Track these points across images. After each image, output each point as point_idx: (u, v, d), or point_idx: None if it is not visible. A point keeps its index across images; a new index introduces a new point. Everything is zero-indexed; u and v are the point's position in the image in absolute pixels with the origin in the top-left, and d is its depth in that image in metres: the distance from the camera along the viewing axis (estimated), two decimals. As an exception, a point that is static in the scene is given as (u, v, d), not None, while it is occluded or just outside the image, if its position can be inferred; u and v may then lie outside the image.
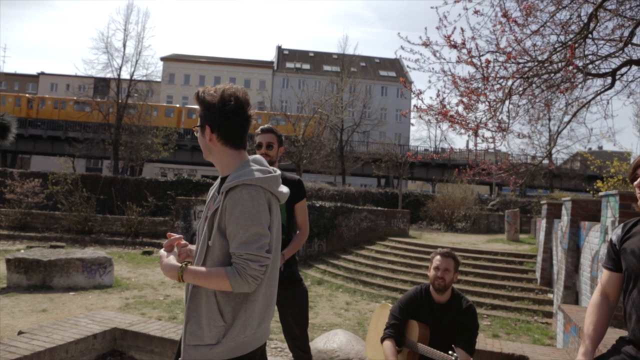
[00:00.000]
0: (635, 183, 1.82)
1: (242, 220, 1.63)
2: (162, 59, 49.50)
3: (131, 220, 16.44)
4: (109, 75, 30.93)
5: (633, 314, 1.75)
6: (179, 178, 21.15)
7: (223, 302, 1.68)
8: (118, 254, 13.21)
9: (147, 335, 4.20)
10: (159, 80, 40.71)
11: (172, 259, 1.71)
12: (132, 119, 30.36)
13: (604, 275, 1.93)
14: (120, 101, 30.04)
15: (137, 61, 30.60)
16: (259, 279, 1.63)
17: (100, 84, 37.12)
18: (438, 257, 3.01)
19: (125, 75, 30.83)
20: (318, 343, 5.25)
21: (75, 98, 33.34)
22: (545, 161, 19.96)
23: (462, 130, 6.32)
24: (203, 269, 1.65)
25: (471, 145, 6.77)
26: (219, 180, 1.89)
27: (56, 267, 8.46)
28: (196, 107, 1.81)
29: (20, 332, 3.98)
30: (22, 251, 9.81)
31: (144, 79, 31.21)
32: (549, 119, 27.76)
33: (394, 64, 53.32)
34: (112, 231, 16.78)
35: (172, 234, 1.81)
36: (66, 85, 48.05)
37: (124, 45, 30.66)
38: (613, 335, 1.93)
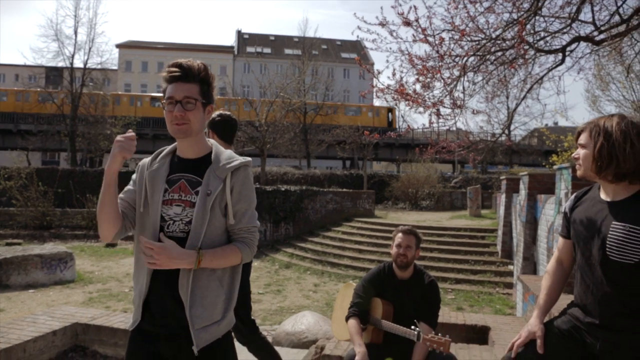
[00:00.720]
0: (573, 155, 1.88)
1: (249, 197, 1.75)
2: (118, 46, 47.74)
3: (92, 213, 15.95)
4: (60, 64, 29.66)
5: (578, 277, 1.83)
6: (139, 167, 20.62)
7: (221, 275, 1.72)
8: (80, 248, 12.87)
9: (110, 328, 4.10)
10: (115, 68, 39.31)
11: (178, 247, 1.60)
12: (88, 108, 29.28)
13: (559, 242, 2.00)
14: (74, 91, 28.86)
15: (90, 49, 29.42)
16: None
17: (52, 74, 35.50)
18: (400, 234, 3.02)
19: (78, 63, 29.61)
20: (286, 325, 5.27)
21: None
22: (504, 137, 20.41)
23: (421, 109, 6.39)
24: (218, 248, 1.68)
25: (429, 124, 6.84)
26: (169, 158, 1.80)
27: (12, 264, 8.15)
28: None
29: (-27, 334, 3.81)
30: (-24, 250, 9.38)
31: (99, 67, 30.05)
32: (507, 96, 28.40)
33: (356, 46, 53.16)
34: (72, 225, 16.27)
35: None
36: (15, 75, 45.73)
37: (75, 32, 29.38)
38: (566, 301, 2.00)
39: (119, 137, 1.70)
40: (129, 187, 1.83)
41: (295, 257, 12.25)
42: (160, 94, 1.82)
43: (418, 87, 6.06)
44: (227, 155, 1.76)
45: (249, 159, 1.80)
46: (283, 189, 15.04)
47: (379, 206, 19.85)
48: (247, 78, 37.95)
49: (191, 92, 1.68)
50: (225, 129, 3.07)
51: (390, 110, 36.61)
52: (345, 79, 49.32)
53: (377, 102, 39.27)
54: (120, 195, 1.79)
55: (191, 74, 1.69)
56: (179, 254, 1.59)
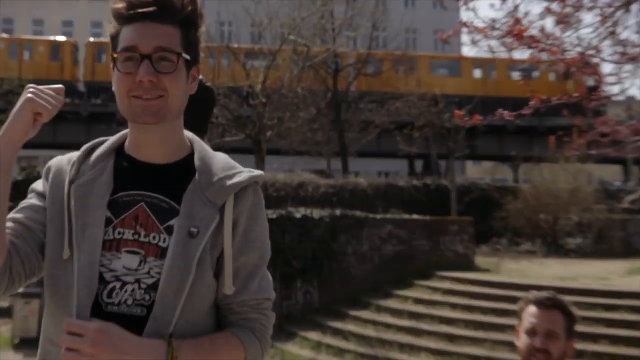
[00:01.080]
0: None
1: (262, 241, 1.86)
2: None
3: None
4: None
5: None
6: (29, 174, 21.12)
7: None
8: None
9: None
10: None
11: (130, 334, 1.61)
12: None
13: None
14: None
15: None
16: None
17: None
18: (533, 309, 3.05)
19: None
20: None
21: None
22: None
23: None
24: (205, 339, 1.71)
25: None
26: (111, 161, 1.85)
27: None
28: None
29: None
30: None
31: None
32: None
33: (426, -51, 53.82)
34: None
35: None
36: None
37: None
38: None
39: (30, 85, 1.76)
40: (31, 201, 1.84)
41: (325, 349, 12.37)
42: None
43: (549, 23, 6.10)
44: (224, 163, 1.86)
45: (261, 172, 1.87)
46: (299, 216, 15.15)
47: (482, 247, 20.03)
48: (229, 7, 38.24)
49: (169, 41, 1.76)
50: (198, 107, 2.98)
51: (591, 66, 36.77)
52: (408, 9, 50.60)
53: (468, 51, 39.12)
54: (13, 214, 1.79)
55: (170, 7, 1.75)
56: (134, 346, 1.60)
